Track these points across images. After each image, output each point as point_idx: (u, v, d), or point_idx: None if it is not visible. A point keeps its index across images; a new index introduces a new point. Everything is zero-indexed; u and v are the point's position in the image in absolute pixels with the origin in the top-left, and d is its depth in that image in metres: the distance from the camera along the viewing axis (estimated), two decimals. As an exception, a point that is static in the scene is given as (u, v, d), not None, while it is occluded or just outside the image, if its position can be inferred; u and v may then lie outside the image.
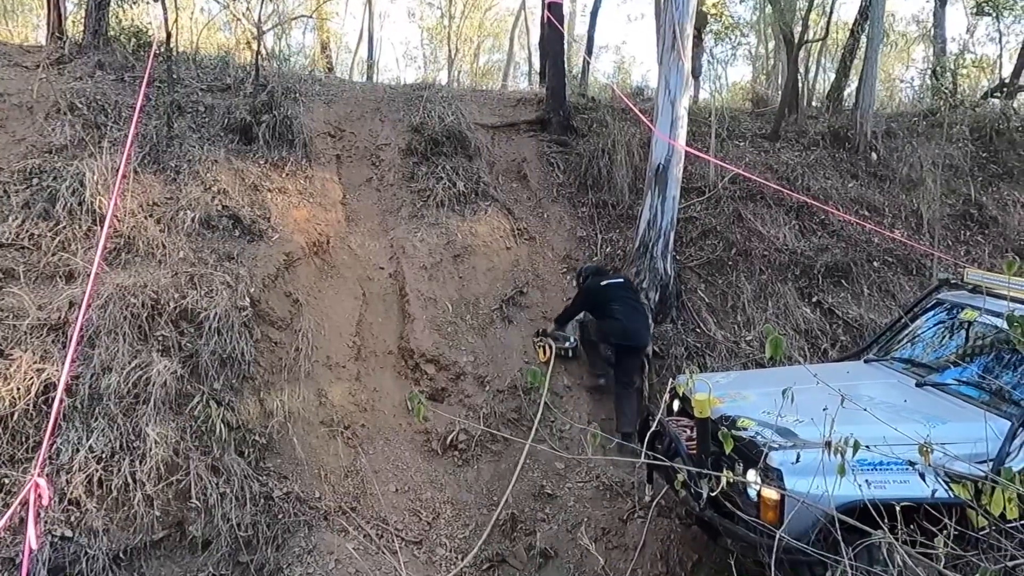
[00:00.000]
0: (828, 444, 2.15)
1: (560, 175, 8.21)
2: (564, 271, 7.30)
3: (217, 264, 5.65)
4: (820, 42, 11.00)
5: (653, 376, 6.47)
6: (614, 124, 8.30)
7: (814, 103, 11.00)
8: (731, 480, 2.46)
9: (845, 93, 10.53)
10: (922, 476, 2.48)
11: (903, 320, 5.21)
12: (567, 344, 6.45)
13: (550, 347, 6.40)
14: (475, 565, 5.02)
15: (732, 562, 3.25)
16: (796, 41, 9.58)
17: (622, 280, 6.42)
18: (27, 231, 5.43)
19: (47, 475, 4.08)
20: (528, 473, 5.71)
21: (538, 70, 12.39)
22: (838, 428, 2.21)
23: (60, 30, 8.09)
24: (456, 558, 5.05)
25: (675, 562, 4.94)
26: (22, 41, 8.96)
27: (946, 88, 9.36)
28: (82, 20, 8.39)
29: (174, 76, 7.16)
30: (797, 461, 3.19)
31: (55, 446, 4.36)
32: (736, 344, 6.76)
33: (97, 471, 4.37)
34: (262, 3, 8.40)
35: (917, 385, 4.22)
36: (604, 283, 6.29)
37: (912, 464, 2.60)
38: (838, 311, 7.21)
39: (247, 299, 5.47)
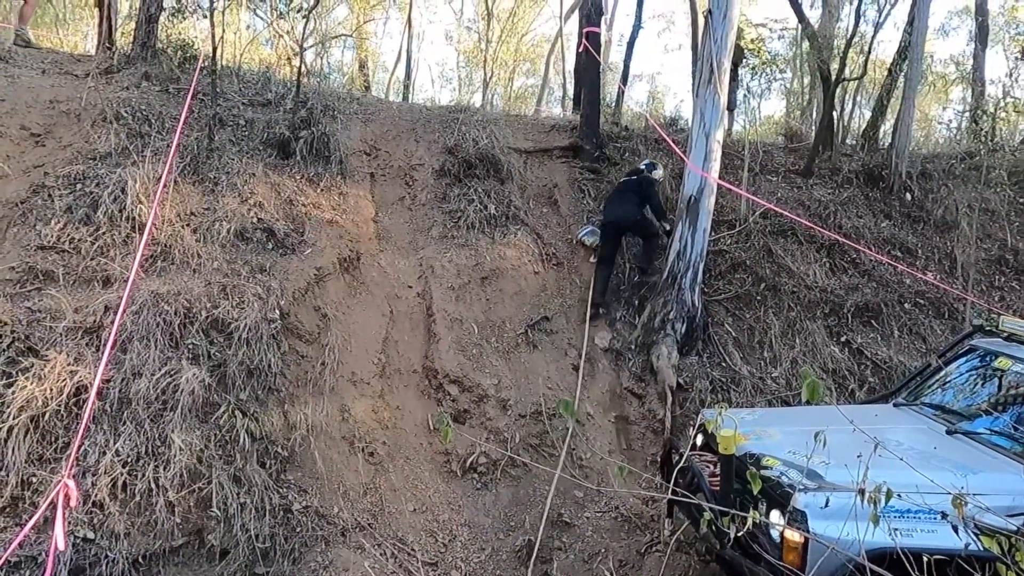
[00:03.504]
0: (862, 492, 2.12)
1: (591, 202, 8.23)
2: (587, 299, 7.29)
3: (249, 276, 5.73)
4: (857, 80, 10.95)
5: (676, 408, 6.42)
6: (647, 154, 8.33)
7: (849, 141, 10.94)
8: (757, 520, 2.43)
9: (881, 132, 10.46)
10: (955, 528, 2.43)
11: (935, 365, 5.13)
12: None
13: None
14: (490, 591, 4.99)
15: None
16: (833, 78, 9.56)
17: (635, 178, 7.47)
18: (68, 235, 5.55)
19: (74, 476, 4.14)
20: (547, 499, 5.68)
21: (572, 96, 12.47)
22: (869, 474, 2.18)
23: (110, 41, 8.32)
24: (471, 582, 5.02)
25: (691, 599, 4.87)
26: (72, 50, 9.23)
27: (985, 131, 9.23)
28: (132, 32, 8.64)
29: (217, 90, 7.33)
30: (827, 505, 3.14)
31: (83, 448, 4.43)
32: (762, 380, 6.69)
33: (122, 475, 4.42)
34: (305, 21, 8.55)
35: (948, 432, 4.14)
36: (622, 179, 7.67)
37: (944, 515, 2.55)
38: (867, 352, 7.11)
39: (277, 311, 5.53)
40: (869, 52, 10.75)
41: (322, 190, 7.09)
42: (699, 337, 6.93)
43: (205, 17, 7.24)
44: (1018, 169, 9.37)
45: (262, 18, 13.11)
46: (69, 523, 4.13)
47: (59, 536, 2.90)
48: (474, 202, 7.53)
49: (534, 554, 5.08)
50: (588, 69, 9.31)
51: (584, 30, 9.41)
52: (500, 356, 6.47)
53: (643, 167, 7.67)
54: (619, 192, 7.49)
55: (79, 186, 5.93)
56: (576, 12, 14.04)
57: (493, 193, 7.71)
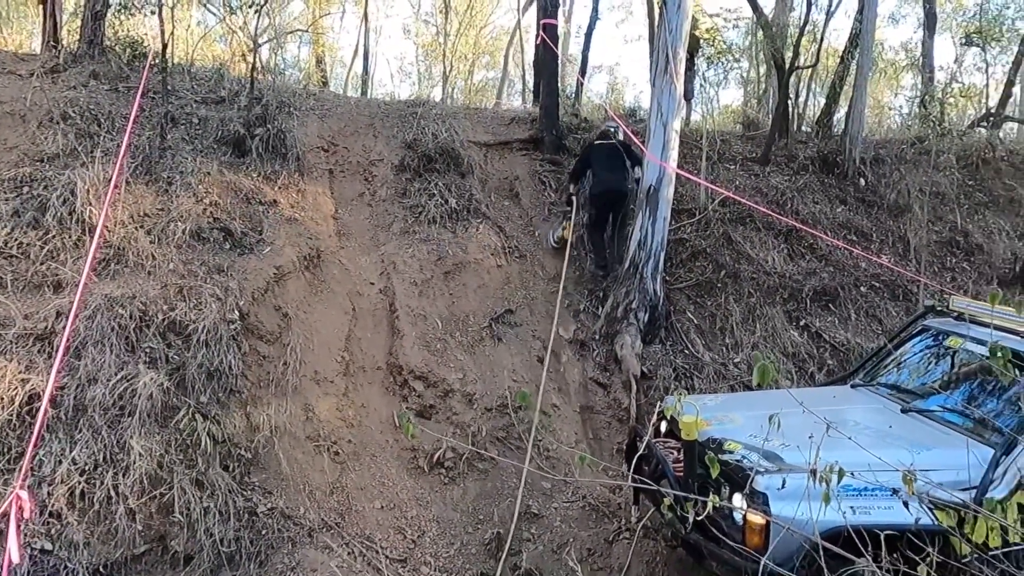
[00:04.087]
0: (813, 472, 2.17)
1: (552, 194, 8.25)
2: (553, 291, 7.32)
3: (207, 277, 5.64)
4: (811, 68, 11.13)
5: (641, 396, 6.48)
6: (606, 145, 8.34)
7: (804, 128, 11.11)
8: (717, 504, 2.46)
9: (835, 119, 10.64)
10: (905, 504, 2.50)
11: (889, 346, 5.25)
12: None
13: (568, 224, 7.45)
14: (460, 585, 5.00)
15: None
16: (787, 67, 9.70)
17: (612, 142, 7.66)
18: (16, 239, 5.40)
19: (29, 487, 4.04)
20: (515, 492, 5.69)
21: (532, 89, 12.47)
22: (824, 454, 2.23)
23: (55, 39, 8.09)
24: (440, 577, 5.02)
25: (659, 584, 4.93)
26: (16, 48, 8.93)
27: (934, 117, 9.47)
28: (78, 29, 8.41)
29: (169, 87, 7.17)
30: (783, 486, 3.21)
31: (37, 457, 4.32)
32: (724, 366, 6.79)
33: (80, 483, 4.33)
34: (258, 17, 8.40)
35: (902, 411, 4.25)
36: (596, 143, 7.77)
37: (895, 492, 2.62)
38: (825, 335, 7.26)
39: (236, 312, 5.45)
40: (822, 40, 10.93)
41: (280, 188, 6.99)
42: (662, 325, 7.00)
43: (153, 13, 7.06)
44: (966, 153, 9.63)
45: (214, 13, 12.88)
46: (25, 535, 4.02)
47: (13, 549, 2.84)
48: (435, 196, 7.49)
49: (506, 549, 5.09)
50: (546, 61, 9.31)
51: (541, 22, 9.39)
52: (464, 350, 6.46)
53: (612, 130, 7.89)
54: (608, 159, 7.56)
55: (26, 189, 5.77)
56: (534, 4, 14.02)
57: (454, 187, 7.68)
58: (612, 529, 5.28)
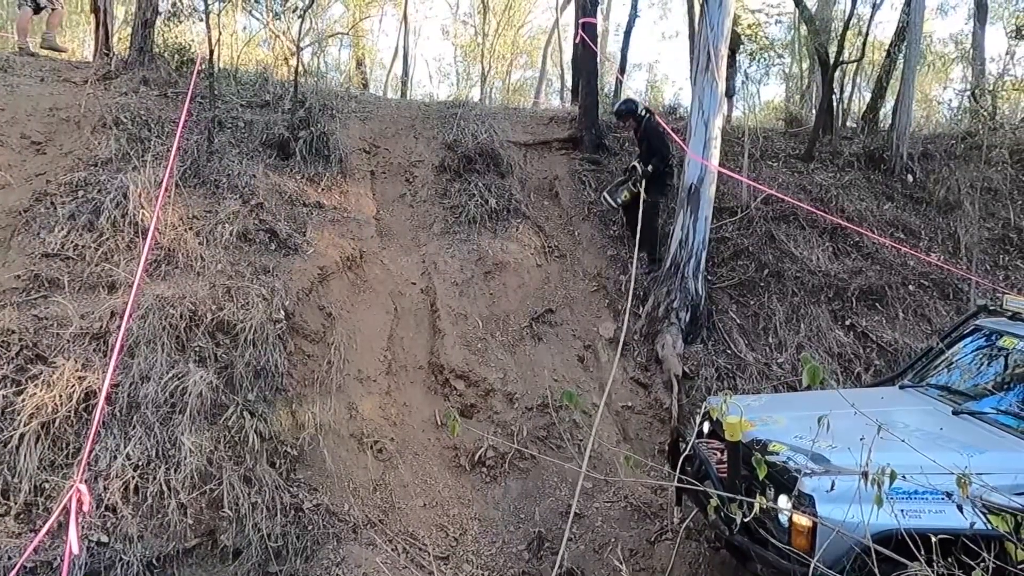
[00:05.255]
0: (865, 474, 2.13)
1: (592, 193, 8.23)
2: (594, 289, 7.31)
3: (253, 277, 5.76)
4: (856, 63, 10.90)
5: (682, 396, 6.43)
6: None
7: (849, 124, 10.90)
8: (764, 506, 2.44)
9: (881, 114, 10.43)
10: (960, 508, 2.45)
11: (940, 346, 5.12)
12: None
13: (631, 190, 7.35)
14: (501, 583, 5.03)
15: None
16: (831, 61, 9.52)
17: None
18: (72, 242, 5.59)
19: (86, 481, 4.17)
20: (555, 491, 5.70)
21: (570, 88, 12.45)
22: (874, 456, 2.19)
23: (107, 47, 8.34)
24: (483, 575, 5.05)
25: (702, 586, 4.89)
26: (70, 57, 9.24)
27: (985, 110, 9.21)
28: (128, 37, 8.66)
29: (215, 92, 7.34)
30: (832, 489, 3.16)
31: (94, 453, 4.47)
32: (767, 366, 6.70)
33: (134, 478, 4.46)
34: (300, 21, 8.55)
35: (954, 413, 4.14)
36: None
37: (949, 495, 2.56)
38: (872, 335, 7.11)
39: (282, 312, 5.56)
40: (867, 33, 10.70)
41: (323, 189, 7.10)
42: (703, 325, 6.93)
43: (201, 20, 7.25)
44: (1019, 147, 9.32)
45: (258, 19, 13.13)
46: (83, 527, 4.16)
47: (73, 541, 2.94)
48: (475, 197, 7.53)
49: (559, 560, 5.09)
50: (585, 60, 9.29)
51: (580, 20, 9.38)
52: (505, 350, 6.49)
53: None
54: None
55: (81, 193, 5.96)
56: (572, 3, 14.00)
57: (494, 187, 7.72)
58: (654, 530, 5.26)
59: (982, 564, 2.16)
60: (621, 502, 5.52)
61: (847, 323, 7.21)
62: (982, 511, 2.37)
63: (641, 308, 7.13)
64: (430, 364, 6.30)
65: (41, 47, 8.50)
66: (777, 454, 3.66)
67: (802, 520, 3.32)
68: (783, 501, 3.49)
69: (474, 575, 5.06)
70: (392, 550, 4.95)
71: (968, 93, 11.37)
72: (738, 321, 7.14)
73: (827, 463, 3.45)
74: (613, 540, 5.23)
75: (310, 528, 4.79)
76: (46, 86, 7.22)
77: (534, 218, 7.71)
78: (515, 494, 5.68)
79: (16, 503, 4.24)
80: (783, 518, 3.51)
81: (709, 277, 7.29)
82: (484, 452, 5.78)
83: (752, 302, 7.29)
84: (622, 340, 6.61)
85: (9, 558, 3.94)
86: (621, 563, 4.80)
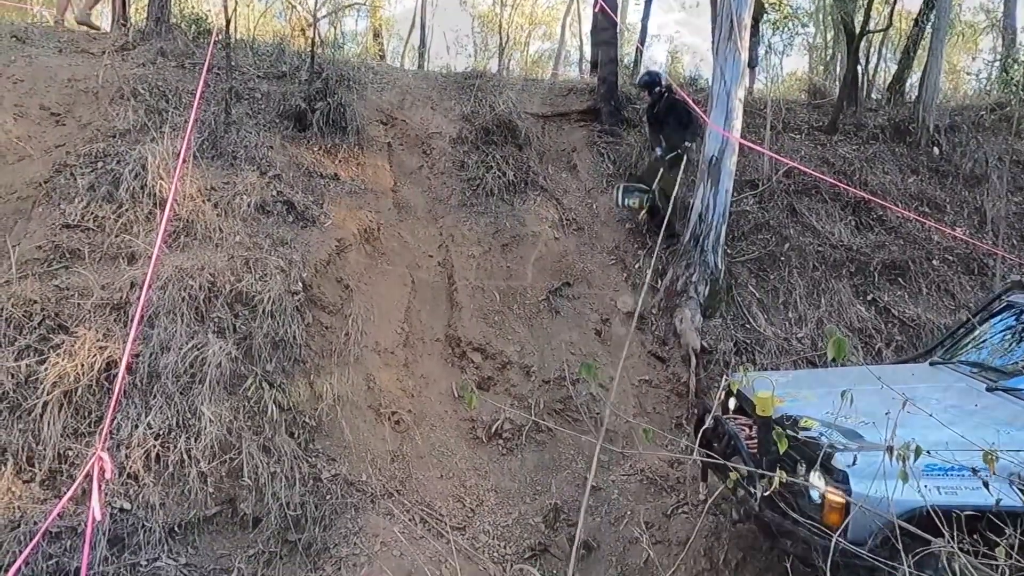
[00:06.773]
0: (890, 449, 2.09)
1: (610, 165, 8.14)
2: (612, 262, 7.25)
3: (271, 249, 5.76)
4: (882, 32, 10.64)
5: (700, 371, 6.39)
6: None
7: (874, 95, 10.66)
8: (797, 482, 2.41)
9: (907, 85, 10.19)
10: (986, 484, 2.40)
11: (973, 321, 5.02)
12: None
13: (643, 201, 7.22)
14: (517, 553, 5.05)
15: (788, 565, 3.18)
16: (857, 31, 9.29)
17: None
18: (92, 213, 5.60)
19: (108, 449, 4.22)
20: (572, 464, 5.71)
21: (589, 59, 12.26)
22: (906, 432, 2.15)
23: (124, 18, 8.32)
24: (499, 545, 5.08)
25: (719, 560, 4.88)
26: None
27: (1016, 81, 8.97)
28: (145, 8, 8.62)
29: (232, 63, 7.30)
30: (854, 463, 3.11)
31: (116, 422, 4.51)
32: (787, 341, 6.63)
33: (155, 447, 4.51)
34: (317, -9, 8.48)
35: (988, 390, 4.06)
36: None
37: (975, 471, 2.51)
38: (894, 310, 7.01)
39: (300, 284, 5.56)
40: (895, 2, 10.42)
41: (340, 161, 7.07)
42: (722, 299, 6.87)
43: (217, -10, 7.19)
44: (1051, 119, 9.10)
45: (274, -11, 13.02)
46: (105, 494, 4.22)
47: (96, 507, 2.96)
48: (492, 169, 7.47)
49: (578, 532, 5.06)
50: (604, 31, 9.14)
51: (600, -10, 9.21)
52: (522, 323, 6.47)
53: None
54: None
55: (100, 164, 5.96)
56: (591, -28, 13.73)
57: (511, 159, 7.65)
58: (671, 503, 5.25)
59: (1008, 541, 2.12)
60: (637, 475, 5.51)
61: (869, 298, 7.12)
62: (1020, 488, 2.32)
63: (659, 282, 7.07)
64: (447, 337, 6.30)
65: (77, 22, 8.54)
66: (808, 430, 3.60)
67: (835, 496, 3.27)
68: (815, 477, 3.44)
69: (490, 545, 5.09)
70: (409, 520, 4.99)
71: (998, 63, 11.08)
72: (757, 295, 7.07)
73: (860, 439, 3.40)
74: (629, 513, 5.22)
75: (328, 498, 4.83)
76: (64, 57, 7.21)
77: (552, 191, 7.65)
78: (531, 466, 5.70)
79: (41, 470, 4.31)
80: (815, 494, 3.47)
81: (728, 251, 7.21)
82: (501, 424, 5.79)
83: (772, 276, 7.21)
84: (637, 313, 6.56)
85: (35, 523, 4.01)
86: (642, 532, 4.79)
